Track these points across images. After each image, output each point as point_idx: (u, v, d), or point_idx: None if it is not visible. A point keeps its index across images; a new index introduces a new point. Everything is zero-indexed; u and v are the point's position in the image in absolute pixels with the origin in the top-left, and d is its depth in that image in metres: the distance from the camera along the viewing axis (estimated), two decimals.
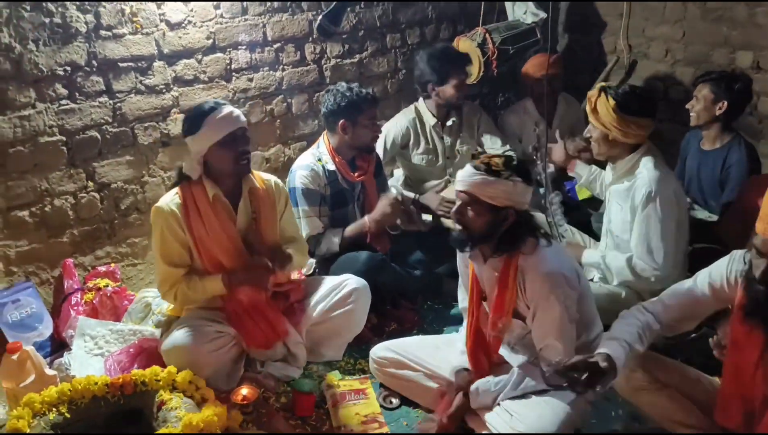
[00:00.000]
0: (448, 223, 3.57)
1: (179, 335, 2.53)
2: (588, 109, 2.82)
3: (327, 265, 3.17)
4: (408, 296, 3.32)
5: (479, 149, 4.01)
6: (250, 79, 3.58)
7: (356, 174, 3.20)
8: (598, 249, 3.06)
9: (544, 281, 2.22)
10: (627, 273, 2.80)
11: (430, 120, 3.83)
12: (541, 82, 3.89)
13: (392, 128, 3.85)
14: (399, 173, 4.18)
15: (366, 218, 3.13)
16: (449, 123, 3.84)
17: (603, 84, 2.89)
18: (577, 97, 4.19)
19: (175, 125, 3.27)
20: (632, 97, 2.77)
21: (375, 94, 3.19)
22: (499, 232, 2.27)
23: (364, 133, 3.12)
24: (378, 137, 3.26)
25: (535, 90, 4.05)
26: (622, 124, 2.74)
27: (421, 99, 3.85)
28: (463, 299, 2.62)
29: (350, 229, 3.14)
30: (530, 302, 2.28)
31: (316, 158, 3.16)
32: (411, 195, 3.64)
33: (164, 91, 3.22)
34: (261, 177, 2.75)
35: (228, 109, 2.53)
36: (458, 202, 2.30)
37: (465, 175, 2.27)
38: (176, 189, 2.61)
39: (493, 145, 3.95)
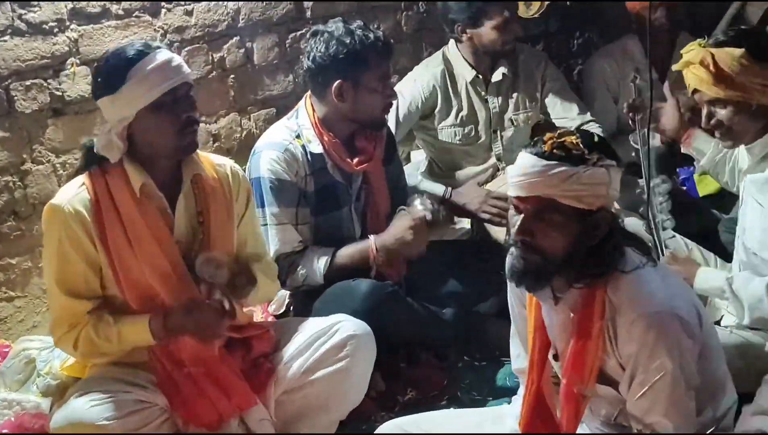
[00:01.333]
0: (497, 233, 3.59)
1: (79, 407, 2.52)
2: (708, 79, 2.81)
3: (308, 298, 3.19)
4: (434, 348, 3.33)
5: (543, 118, 4.06)
6: (189, 13, 3.61)
7: (356, 160, 3.23)
8: (724, 269, 3.07)
9: (647, 327, 2.21)
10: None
11: (466, 73, 3.86)
12: (654, 9, 3.90)
13: (409, 88, 3.89)
14: (419, 157, 4.22)
15: (372, 240, 3.15)
16: (497, 77, 3.87)
17: (717, 37, 2.91)
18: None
19: (73, 83, 3.29)
20: (759, 38, 2.83)
21: (387, 39, 3.22)
22: (588, 252, 2.27)
23: (371, 100, 3.15)
24: (392, 104, 3.29)
25: (641, 21, 4.06)
26: (767, 76, 2.77)
27: (452, 42, 3.90)
28: (518, 356, 2.62)
29: (345, 254, 3.16)
30: (625, 360, 2.28)
31: (292, 134, 3.19)
32: (440, 190, 3.66)
33: (56, 31, 3.24)
34: (211, 161, 2.78)
35: (164, 54, 2.55)
36: (520, 216, 2.29)
37: (526, 169, 2.24)
38: (82, 178, 2.62)
39: (565, 113, 3.98)
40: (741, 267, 2.97)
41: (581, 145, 2.22)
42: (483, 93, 3.88)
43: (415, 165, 4.19)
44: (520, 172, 2.24)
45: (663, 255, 3.08)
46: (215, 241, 2.69)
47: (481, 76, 3.87)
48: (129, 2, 3.43)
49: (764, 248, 2.84)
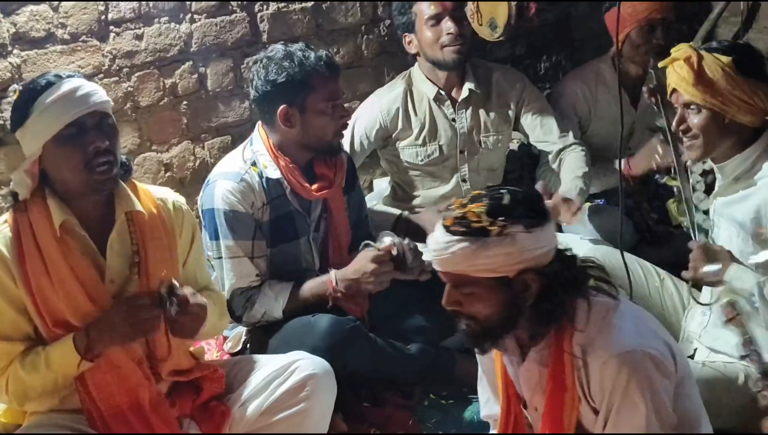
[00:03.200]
0: None
1: None
2: (689, 79, 2.82)
3: (266, 335, 3.15)
4: (399, 386, 3.30)
5: (519, 141, 4.04)
6: (138, 37, 3.57)
7: (315, 186, 3.20)
8: (698, 300, 3.07)
9: (619, 367, 2.20)
10: None
11: (428, 90, 3.85)
12: (648, 29, 3.92)
13: (367, 110, 3.87)
14: (382, 186, 4.20)
15: (333, 275, 3.12)
16: (464, 93, 3.84)
17: (694, 44, 2.93)
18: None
19: None
20: (750, 53, 2.84)
21: (331, 57, 3.20)
22: (526, 311, 2.28)
23: (320, 123, 3.13)
24: (346, 126, 3.27)
25: (631, 42, 4.01)
26: (748, 91, 2.78)
27: (417, 62, 3.90)
28: (487, 401, 2.61)
29: (305, 289, 3.14)
30: (598, 403, 2.27)
31: (248, 162, 3.16)
32: (395, 211, 3.65)
33: None
34: (151, 195, 2.73)
35: (71, 83, 2.51)
36: (446, 289, 2.33)
37: (435, 244, 2.27)
38: (6, 216, 2.59)
39: (545, 136, 3.93)
40: (713, 292, 2.95)
41: (484, 215, 2.21)
42: (449, 111, 3.86)
43: (378, 193, 4.17)
44: (432, 246, 2.29)
45: (695, 238, 3.05)
46: (153, 281, 2.62)
47: (444, 93, 3.85)
48: (75, 27, 3.38)
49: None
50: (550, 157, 3.95)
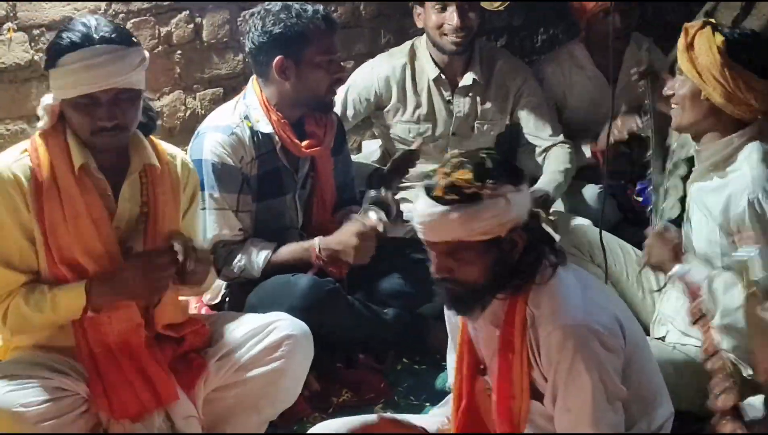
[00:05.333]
0: (409, 195, 3.60)
1: None
2: (680, 46, 2.85)
3: (245, 290, 3.18)
4: (372, 350, 3.34)
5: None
6: None
7: (305, 143, 3.22)
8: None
9: (563, 340, 2.24)
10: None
11: (429, 70, 3.84)
12: (600, 16, 3.96)
13: (364, 75, 3.88)
14: (370, 148, 4.21)
15: (317, 241, 3.14)
16: (466, 81, 3.85)
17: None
18: (661, 42, 4.27)
19: (9, 50, 3.26)
20: (752, 42, 2.82)
21: (329, 12, 3.21)
22: (510, 268, 2.31)
23: (315, 76, 3.14)
24: (341, 82, 3.29)
25: (591, 28, 4.10)
26: (729, 75, 2.78)
27: (424, 37, 3.87)
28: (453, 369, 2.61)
29: (287, 251, 3.16)
30: (545, 372, 2.31)
31: (240, 116, 3.18)
32: (370, 166, 3.68)
33: None
34: (164, 150, 2.75)
35: (97, 55, 2.47)
36: (435, 259, 2.32)
37: (425, 215, 2.27)
38: (26, 144, 2.60)
39: (537, 132, 3.97)
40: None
41: (473, 180, 2.22)
42: (447, 94, 3.86)
43: (366, 155, 4.18)
44: (420, 218, 2.28)
45: (654, 223, 3.09)
46: (158, 232, 2.66)
47: (445, 77, 3.84)
48: None
49: (715, 256, 2.86)
50: (537, 150, 4.00)
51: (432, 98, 3.86)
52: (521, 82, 3.96)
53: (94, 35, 2.49)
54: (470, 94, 3.88)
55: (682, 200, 3.06)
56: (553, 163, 3.92)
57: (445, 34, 3.71)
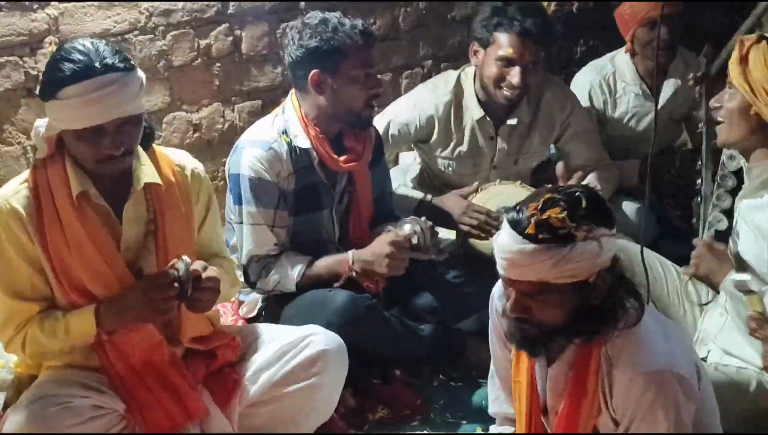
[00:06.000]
0: (483, 247, 3.59)
1: (33, 411, 2.49)
2: (734, 58, 2.80)
3: (282, 304, 3.18)
4: (409, 366, 3.33)
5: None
6: None
7: (343, 158, 3.22)
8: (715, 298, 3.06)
9: (645, 386, 2.20)
10: None
11: (474, 111, 3.74)
12: (649, 27, 3.93)
13: (406, 110, 3.79)
14: (407, 160, 4.19)
15: (350, 254, 3.14)
16: (511, 121, 3.75)
17: (741, 36, 2.90)
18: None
19: None
20: None
21: (367, 26, 3.20)
22: (591, 312, 2.25)
23: (351, 90, 3.13)
24: (377, 96, 3.27)
25: (637, 40, 4.06)
26: None
27: (474, 72, 3.75)
28: (496, 399, 2.60)
29: (321, 265, 3.16)
30: (619, 416, 2.28)
31: (278, 130, 3.18)
32: (418, 195, 3.64)
33: (36, 7, 3.24)
34: (170, 161, 2.72)
35: (102, 86, 2.41)
36: (512, 295, 2.24)
37: (512, 252, 2.17)
38: (26, 174, 2.59)
39: (585, 162, 3.87)
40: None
41: (567, 220, 2.14)
42: (491, 132, 3.76)
43: (404, 168, 4.15)
44: (506, 254, 2.19)
45: (701, 235, 3.05)
46: (170, 250, 2.64)
47: (490, 119, 3.73)
48: None
49: (760, 277, 2.82)
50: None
51: (476, 138, 3.76)
52: (568, 112, 3.86)
53: (96, 65, 2.43)
54: (515, 133, 3.79)
55: (728, 213, 3.03)
56: (598, 175, 3.88)
57: (501, 88, 3.57)
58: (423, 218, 3.15)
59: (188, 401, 2.65)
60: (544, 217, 2.14)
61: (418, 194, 3.64)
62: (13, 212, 2.51)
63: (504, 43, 3.51)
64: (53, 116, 2.49)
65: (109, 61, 2.44)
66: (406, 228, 3.15)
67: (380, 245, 3.10)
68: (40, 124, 2.54)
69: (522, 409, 2.43)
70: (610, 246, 2.22)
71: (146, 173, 2.61)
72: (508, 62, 3.52)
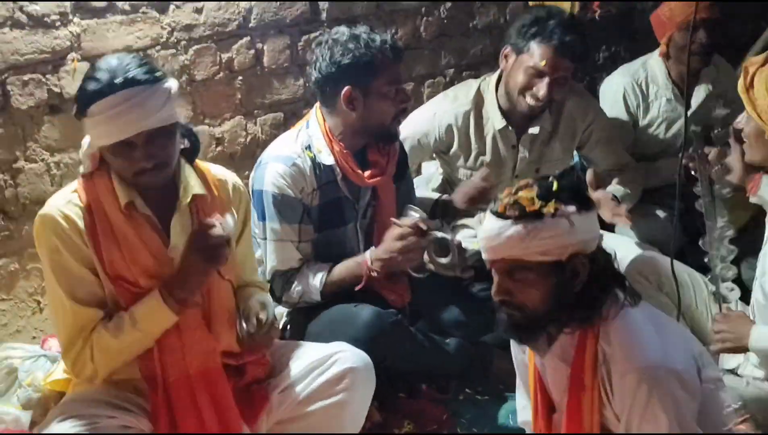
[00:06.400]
0: (470, 222, 3.66)
1: (60, 430, 2.50)
2: (740, 86, 2.81)
3: (305, 319, 3.18)
4: (435, 380, 3.33)
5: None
6: (198, 11, 3.60)
7: (367, 174, 3.21)
8: (745, 310, 3.04)
9: (639, 382, 2.21)
10: None
11: (496, 120, 3.71)
12: (684, 32, 3.88)
13: (426, 120, 3.78)
14: (430, 170, 4.18)
15: (367, 254, 3.14)
16: (533, 130, 3.73)
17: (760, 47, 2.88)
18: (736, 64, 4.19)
19: (73, 80, 3.27)
20: None
21: (396, 41, 3.19)
22: (572, 299, 2.30)
23: (382, 106, 3.13)
24: (406, 111, 3.27)
25: (674, 43, 4.01)
26: None
27: (497, 74, 3.73)
28: (524, 408, 2.61)
29: (341, 269, 3.16)
30: (618, 413, 2.29)
31: (302, 145, 3.17)
32: (433, 195, 3.64)
33: (58, 24, 3.24)
34: (212, 175, 2.76)
35: (122, 102, 2.45)
36: (495, 278, 2.34)
37: (487, 232, 2.30)
38: (74, 184, 2.63)
39: (609, 167, 3.88)
40: (756, 310, 2.95)
41: (536, 199, 2.25)
42: (513, 140, 3.74)
43: (426, 178, 4.15)
44: (483, 235, 2.32)
45: (720, 306, 3.05)
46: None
47: (512, 128, 3.71)
48: None
49: None
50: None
51: (498, 147, 3.74)
52: (591, 120, 3.85)
53: (117, 81, 2.47)
54: (537, 141, 3.77)
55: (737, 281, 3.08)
56: (624, 177, 3.90)
57: (525, 97, 3.55)
58: (451, 237, 3.11)
59: (228, 416, 2.67)
60: (515, 197, 2.28)
61: (434, 195, 3.64)
62: (66, 219, 2.55)
63: (538, 53, 3.48)
64: (89, 132, 2.55)
65: (131, 75, 2.48)
66: (411, 214, 3.17)
67: (389, 242, 3.08)
68: (86, 141, 2.61)
69: (534, 406, 2.49)
70: (584, 228, 2.29)
71: (192, 185, 2.65)
72: (538, 73, 3.50)
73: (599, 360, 2.29)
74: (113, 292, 2.58)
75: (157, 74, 2.54)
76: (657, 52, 4.17)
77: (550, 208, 2.24)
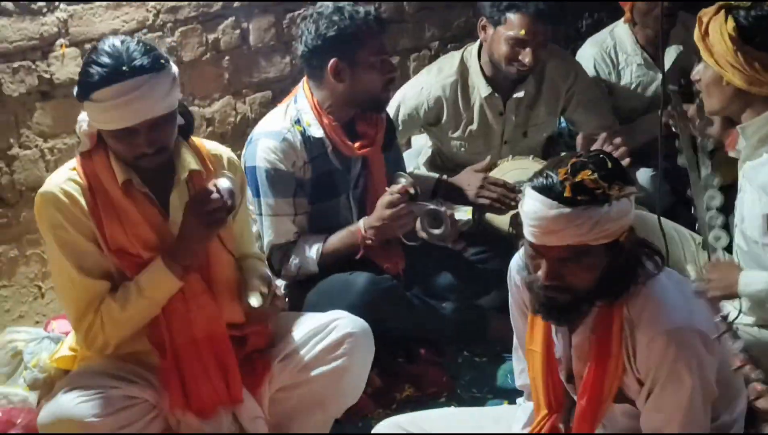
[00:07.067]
0: (499, 223, 3.61)
1: (67, 403, 2.53)
2: (696, 35, 2.83)
3: (301, 290, 3.22)
4: (433, 344, 3.36)
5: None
6: None
7: (357, 144, 3.25)
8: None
9: (667, 344, 2.20)
10: None
11: (481, 88, 3.77)
12: None
13: (414, 94, 3.82)
14: (420, 142, 4.21)
15: (361, 223, 3.17)
16: (518, 94, 3.78)
17: (734, 1, 2.90)
18: None
19: (62, 65, 3.30)
20: (766, 23, 2.75)
21: (380, 12, 3.23)
22: (618, 273, 2.26)
23: (369, 77, 3.16)
24: (393, 80, 3.30)
25: (638, 8, 4.06)
26: (744, 60, 2.74)
27: (478, 43, 3.77)
28: (522, 371, 2.60)
29: (336, 238, 3.19)
30: (643, 376, 2.29)
31: (291, 120, 3.20)
32: (433, 175, 3.65)
33: (45, 11, 3.26)
34: (207, 150, 2.78)
35: (130, 90, 2.44)
36: (544, 264, 2.22)
37: (547, 217, 2.15)
38: (72, 162, 2.65)
39: (595, 129, 3.88)
40: (740, 257, 2.97)
41: (599, 180, 2.15)
42: (499, 107, 3.79)
43: (417, 150, 4.17)
44: (541, 221, 2.16)
45: (709, 256, 3.08)
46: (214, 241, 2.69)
47: (498, 94, 3.76)
48: None
49: (766, 235, 2.83)
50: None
51: (485, 115, 3.79)
52: (572, 80, 3.89)
53: (124, 67, 2.45)
54: (522, 105, 3.81)
55: (725, 227, 3.07)
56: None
57: (512, 66, 3.59)
58: (444, 208, 3.14)
59: (233, 382, 2.70)
60: (577, 179, 2.14)
61: (434, 175, 3.65)
62: (68, 195, 2.57)
63: (516, 23, 3.52)
64: (90, 115, 2.55)
65: (137, 63, 2.46)
66: (400, 181, 3.17)
67: (380, 209, 3.11)
68: (83, 119, 2.61)
69: (537, 377, 2.44)
70: (634, 205, 2.25)
71: (189, 161, 2.67)
72: (520, 42, 3.53)
73: (625, 327, 2.28)
74: (117, 264, 2.61)
75: (163, 60, 2.53)
76: (622, 19, 4.20)
77: (615, 190, 2.15)
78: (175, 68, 2.56)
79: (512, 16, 3.52)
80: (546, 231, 2.16)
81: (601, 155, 2.23)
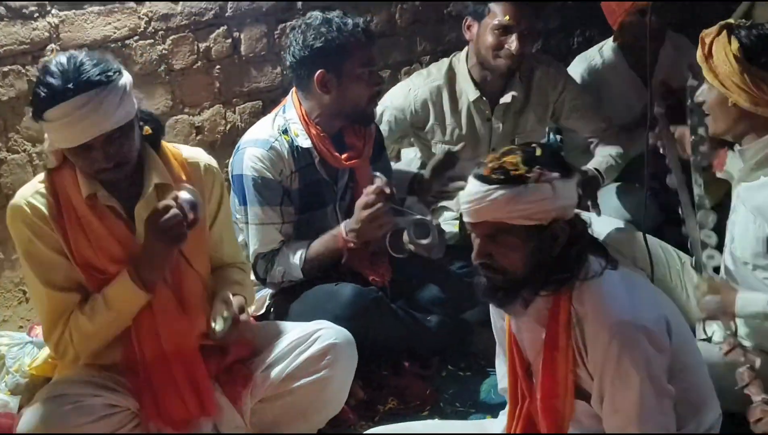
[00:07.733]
0: (450, 204, 3.67)
1: (48, 411, 2.53)
2: (699, 56, 2.84)
3: (286, 300, 3.21)
4: (417, 357, 3.36)
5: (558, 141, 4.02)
6: (175, 0, 3.63)
7: (344, 156, 3.25)
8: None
9: (610, 338, 2.25)
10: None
11: (469, 92, 3.79)
12: (635, 16, 3.92)
13: (401, 96, 3.84)
14: (409, 155, 4.22)
15: (342, 226, 3.16)
16: (505, 99, 3.79)
17: (734, 21, 2.91)
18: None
19: None
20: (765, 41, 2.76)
21: (368, 24, 3.24)
22: (551, 262, 2.34)
23: (356, 89, 3.17)
24: (380, 93, 3.31)
25: (625, 28, 4.07)
26: (750, 81, 2.75)
27: (464, 51, 3.82)
28: (504, 376, 2.63)
29: (318, 245, 3.18)
30: (592, 371, 2.32)
31: (279, 130, 3.20)
32: (412, 171, 3.65)
33: (36, 16, 3.26)
34: (182, 157, 2.76)
35: (77, 108, 2.40)
36: (476, 242, 2.36)
37: (471, 195, 2.31)
38: (42, 175, 2.65)
39: (592, 133, 3.91)
40: (726, 276, 2.98)
41: (521, 164, 2.27)
42: (487, 113, 3.81)
43: (406, 162, 4.18)
44: (467, 199, 2.32)
45: (701, 275, 3.08)
46: (187, 254, 2.69)
47: (486, 98, 3.78)
48: None
49: (758, 257, 2.85)
50: (591, 145, 3.98)
51: (473, 120, 3.81)
52: (561, 88, 3.90)
53: (70, 85, 2.41)
54: (510, 111, 3.82)
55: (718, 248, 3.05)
56: (607, 148, 3.90)
57: (500, 57, 3.62)
58: (431, 218, 3.14)
59: (205, 396, 2.69)
60: (499, 162, 2.30)
61: (411, 170, 3.67)
62: (34, 209, 2.57)
63: (499, 11, 3.56)
64: (47, 135, 2.56)
65: (84, 77, 2.43)
66: (375, 181, 3.14)
67: (358, 211, 3.10)
68: (45, 144, 2.63)
69: (510, 368, 2.51)
70: (566, 194, 2.32)
71: (157, 175, 2.64)
72: (505, 30, 3.57)
73: (573, 321, 2.32)
74: (85, 277, 2.61)
75: (110, 73, 2.47)
76: (611, 39, 4.22)
77: (533, 173, 2.27)
78: (126, 79, 2.51)
79: (495, 6, 3.58)
80: (470, 208, 2.32)
81: (534, 144, 2.37)
